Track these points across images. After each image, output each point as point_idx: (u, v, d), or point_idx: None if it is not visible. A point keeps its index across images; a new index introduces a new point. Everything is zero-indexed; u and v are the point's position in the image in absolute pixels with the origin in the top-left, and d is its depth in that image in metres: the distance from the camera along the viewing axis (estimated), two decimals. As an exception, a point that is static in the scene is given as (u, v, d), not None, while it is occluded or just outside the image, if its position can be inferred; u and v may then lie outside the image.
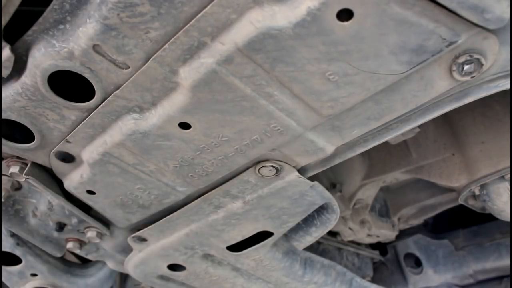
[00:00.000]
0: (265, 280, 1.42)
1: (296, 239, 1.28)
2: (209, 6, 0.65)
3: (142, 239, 1.24)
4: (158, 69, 0.75)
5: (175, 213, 1.11)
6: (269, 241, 1.18)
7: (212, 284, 1.43)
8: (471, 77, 0.69)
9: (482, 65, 0.68)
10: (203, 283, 1.43)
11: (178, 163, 0.94)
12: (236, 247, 1.23)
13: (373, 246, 2.25)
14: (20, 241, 1.39)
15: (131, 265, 1.34)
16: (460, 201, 1.54)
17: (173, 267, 1.34)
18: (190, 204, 1.08)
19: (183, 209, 1.09)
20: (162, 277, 1.42)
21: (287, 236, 1.29)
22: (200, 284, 1.44)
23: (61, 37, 0.76)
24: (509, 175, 1.37)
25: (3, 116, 0.90)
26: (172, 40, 0.71)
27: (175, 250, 1.25)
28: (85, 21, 0.72)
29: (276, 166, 0.93)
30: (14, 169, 1.07)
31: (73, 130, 0.93)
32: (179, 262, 1.31)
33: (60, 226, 1.29)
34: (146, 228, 1.19)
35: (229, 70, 0.71)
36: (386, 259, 2.32)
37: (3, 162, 1.09)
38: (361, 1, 0.59)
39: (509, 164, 1.34)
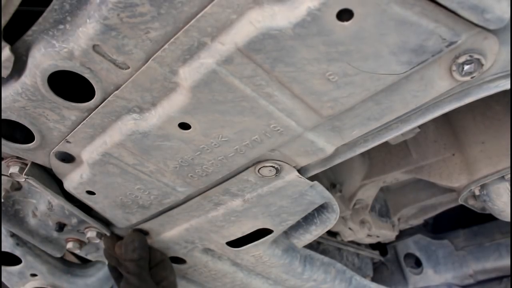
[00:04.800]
0: (265, 276, 1.42)
1: (296, 236, 1.28)
2: (209, 6, 0.65)
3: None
4: (158, 69, 0.75)
5: (175, 209, 1.12)
6: (269, 238, 1.19)
7: (211, 278, 1.44)
8: (471, 77, 0.69)
9: (482, 65, 0.68)
10: (202, 277, 1.44)
11: (178, 164, 0.94)
12: (236, 243, 1.23)
13: (373, 246, 2.25)
14: (20, 241, 1.38)
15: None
16: (460, 201, 1.54)
17: (174, 260, 1.35)
18: (190, 201, 1.08)
19: (183, 205, 1.10)
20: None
21: (287, 233, 1.29)
22: (199, 278, 1.45)
23: (61, 37, 0.76)
24: (509, 175, 1.37)
25: (3, 116, 0.90)
26: (172, 40, 0.71)
27: (175, 244, 1.26)
28: (85, 21, 0.72)
29: (276, 166, 0.93)
30: (14, 169, 1.07)
31: (73, 130, 0.92)
32: (179, 255, 1.32)
33: (60, 226, 1.29)
34: (147, 222, 1.20)
35: (229, 71, 0.71)
36: (386, 259, 2.32)
37: (3, 162, 1.09)
38: (361, 1, 0.59)
39: (509, 164, 1.34)
